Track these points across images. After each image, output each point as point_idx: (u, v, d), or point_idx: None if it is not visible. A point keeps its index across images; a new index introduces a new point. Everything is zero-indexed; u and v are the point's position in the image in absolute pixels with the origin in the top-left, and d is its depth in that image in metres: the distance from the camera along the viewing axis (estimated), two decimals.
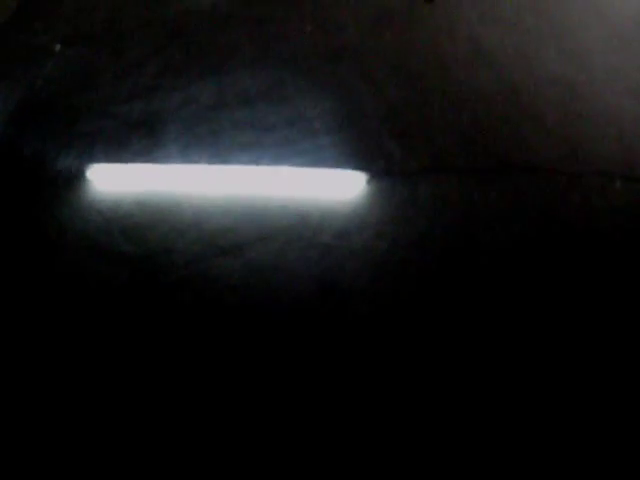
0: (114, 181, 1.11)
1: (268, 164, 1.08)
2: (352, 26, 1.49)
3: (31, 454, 0.84)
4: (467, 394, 0.91)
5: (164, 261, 0.99)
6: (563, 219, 1.10)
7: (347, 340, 0.90)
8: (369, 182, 1.04)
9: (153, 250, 0.99)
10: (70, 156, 1.09)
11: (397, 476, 0.82)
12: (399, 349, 0.88)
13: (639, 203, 1.07)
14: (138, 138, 1.14)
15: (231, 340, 0.91)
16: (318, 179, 1.07)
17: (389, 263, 0.98)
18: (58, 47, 1.25)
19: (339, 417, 0.84)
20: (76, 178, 1.06)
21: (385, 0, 1.64)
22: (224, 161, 1.09)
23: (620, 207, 1.11)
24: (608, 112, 1.35)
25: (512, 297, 0.99)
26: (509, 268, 0.98)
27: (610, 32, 1.60)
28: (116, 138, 1.14)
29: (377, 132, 1.14)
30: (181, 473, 0.84)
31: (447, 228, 1.01)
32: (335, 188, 1.06)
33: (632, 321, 0.98)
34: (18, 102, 1.24)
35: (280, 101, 1.24)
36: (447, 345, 0.93)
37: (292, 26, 1.54)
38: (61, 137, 1.15)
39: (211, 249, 0.99)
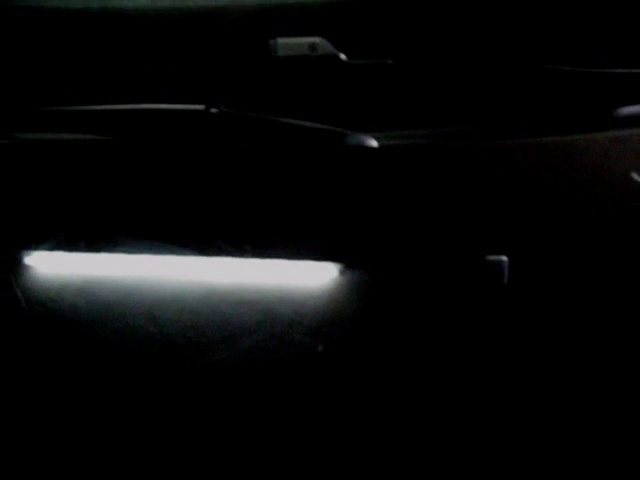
0: (56, 268, 1.06)
1: (233, 255, 1.01)
2: None
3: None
4: None
5: (114, 362, 0.92)
6: None
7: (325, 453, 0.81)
8: (343, 273, 0.95)
9: (100, 351, 0.93)
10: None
11: None
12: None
13: None
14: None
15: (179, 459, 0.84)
16: (287, 270, 0.99)
17: (367, 364, 0.89)
18: None
19: None
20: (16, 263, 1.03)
21: None
22: (182, 251, 1.03)
23: None
24: None
25: None
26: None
27: None
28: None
29: None
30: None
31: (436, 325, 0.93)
32: (306, 280, 0.98)
33: None
34: None
35: None
36: None
37: None
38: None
39: (167, 349, 0.91)
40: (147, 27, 1.14)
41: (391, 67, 1.08)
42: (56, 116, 1.11)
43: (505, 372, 0.87)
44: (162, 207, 1.05)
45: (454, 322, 0.90)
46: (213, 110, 1.08)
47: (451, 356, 0.89)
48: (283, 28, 1.10)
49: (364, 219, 1.01)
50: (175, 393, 0.85)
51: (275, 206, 1.03)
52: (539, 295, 0.91)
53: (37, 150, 1.14)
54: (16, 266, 1.04)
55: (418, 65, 1.09)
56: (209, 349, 0.89)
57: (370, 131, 1.06)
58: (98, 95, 1.12)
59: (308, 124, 1.07)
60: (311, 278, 0.98)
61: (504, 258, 0.92)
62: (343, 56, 1.07)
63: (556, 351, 0.88)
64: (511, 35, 1.09)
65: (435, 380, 0.87)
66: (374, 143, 1.06)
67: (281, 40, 1.08)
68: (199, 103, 1.08)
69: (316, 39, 1.07)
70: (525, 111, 1.07)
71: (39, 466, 0.84)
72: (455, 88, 1.08)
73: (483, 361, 0.88)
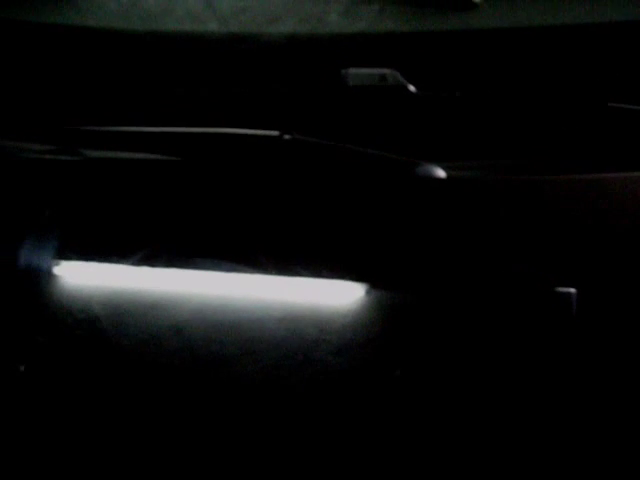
0: (84, 279, 1.07)
1: (259, 272, 1.01)
2: None
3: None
4: None
5: (138, 374, 0.94)
6: None
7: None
8: (369, 293, 0.95)
9: (125, 362, 0.95)
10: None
11: None
12: None
13: None
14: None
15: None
16: (314, 289, 0.98)
17: (395, 388, 0.88)
18: None
19: None
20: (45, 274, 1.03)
21: None
22: (208, 266, 1.03)
23: None
24: None
25: None
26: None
27: None
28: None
29: None
30: None
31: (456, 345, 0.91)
32: (333, 299, 0.97)
33: None
34: None
35: None
36: None
37: None
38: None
39: (191, 362, 0.93)
40: (223, 52, 1.19)
41: (459, 100, 1.08)
42: (127, 136, 1.17)
43: (569, 410, 0.85)
44: (206, 225, 1.07)
45: (515, 353, 0.89)
46: (286, 136, 1.12)
47: (503, 388, 0.88)
48: (355, 58, 1.13)
49: (425, 246, 1.01)
50: (198, 406, 0.87)
51: (323, 228, 1.06)
52: (609, 329, 0.89)
53: (105, 168, 1.19)
54: (44, 277, 1.07)
55: (485, 99, 1.09)
56: (233, 363, 0.90)
57: (437, 162, 1.07)
58: (171, 117, 1.17)
59: (377, 152, 1.08)
60: (338, 297, 0.98)
61: (573, 290, 0.90)
62: (412, 88, 1.08)
63: (626, 386, 0.85)
64: (577, 73, 1.07)
65: (476, 409, 0.86)
66: (442, 173, 1.06)
67: (352, 70, 1.10)
68: (274, 129, 1.12)
69: (387, 70, 1.09)
70: (590, 147, 1.05)
71: (61, 471, 0.89)
72: (520, 123, 1.08)
73: (545, 396, 0.85)
